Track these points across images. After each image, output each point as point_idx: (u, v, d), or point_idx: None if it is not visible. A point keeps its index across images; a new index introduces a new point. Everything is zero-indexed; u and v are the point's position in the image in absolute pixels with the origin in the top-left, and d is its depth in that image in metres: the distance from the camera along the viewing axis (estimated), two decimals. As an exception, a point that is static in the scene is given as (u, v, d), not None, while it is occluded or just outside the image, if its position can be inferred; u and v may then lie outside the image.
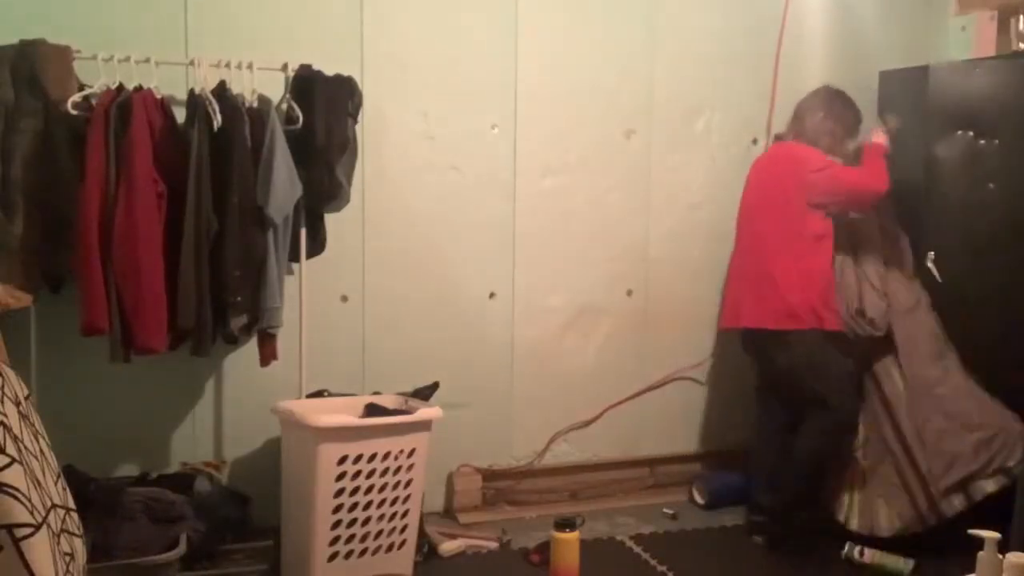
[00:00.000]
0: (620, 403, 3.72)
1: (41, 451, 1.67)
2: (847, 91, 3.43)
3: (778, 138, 3.57)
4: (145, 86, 2.77)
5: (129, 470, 3.05)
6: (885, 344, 3.21)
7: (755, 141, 3.80)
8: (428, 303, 3.41)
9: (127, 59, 2.79)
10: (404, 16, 3.29)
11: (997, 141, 3.27)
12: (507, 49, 3.44)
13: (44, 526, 1.47)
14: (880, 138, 3.31)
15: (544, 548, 2.96)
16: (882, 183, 3.20)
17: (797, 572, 3.05)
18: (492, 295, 3.52)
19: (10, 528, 1.39)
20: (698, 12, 3.68)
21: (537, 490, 3.60)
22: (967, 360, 3.22)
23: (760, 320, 3.20)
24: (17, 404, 1.62)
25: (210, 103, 2.77)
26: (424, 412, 2.83)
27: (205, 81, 2.83)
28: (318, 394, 3.09)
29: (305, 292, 3.09)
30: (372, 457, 2.70)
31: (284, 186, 2.85)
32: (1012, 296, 3.18)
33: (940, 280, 3.30)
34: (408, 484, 2.81)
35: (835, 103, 3.36)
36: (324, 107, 2.96)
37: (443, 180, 3.40)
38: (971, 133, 3.31)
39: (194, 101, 2.80)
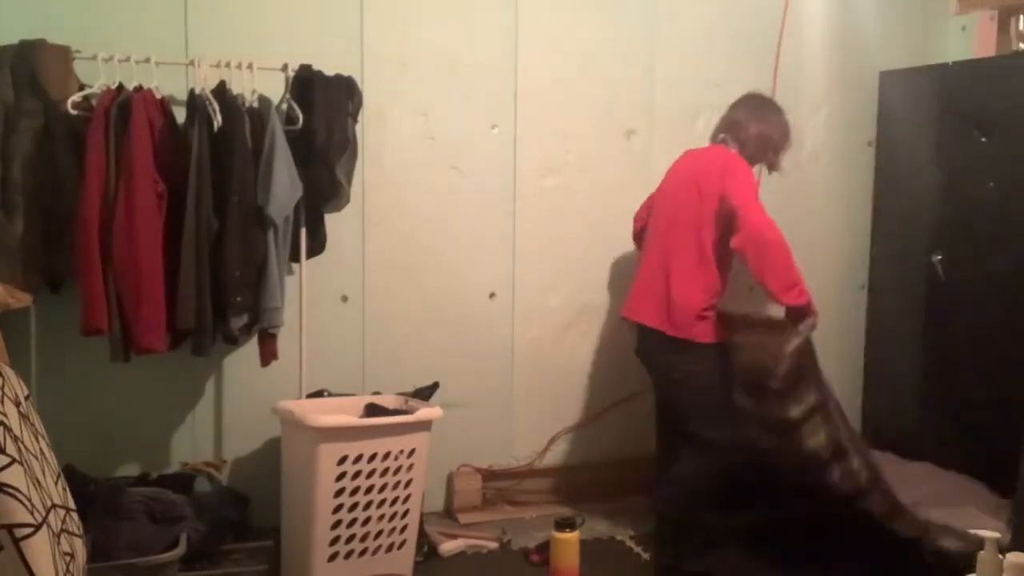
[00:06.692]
0: (620, 403, 3.72)
1: (41, 451, 1.67)
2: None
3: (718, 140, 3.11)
4: (145, 86, 2.77)
5: (129, 470, 3.05)
6: None
7: (755, 141, 3.80)
8: (428, 303, 3.41)
9: (127, 59, 2.79)
10: (404, 16, 3.29)
11: (998, 140, 3.27)
12: (507, 49, 3.44)
13: (44, 526, 1.47)
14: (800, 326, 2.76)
15: (544, 548, 2.97)
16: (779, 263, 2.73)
17: (797, 571, 3.04)
18: (492, 295, 3.52)
19: (10, 528, 1.39)
20: (698, 12, 3.68)
21: (537, 490, 3.60)
22: (969, 358, 3.22)
23: (653, 320, 2.92)
24: (17, 404, 1.62)
25: (210, 103, 2.77)
26: (424, 412, 2.83)
27: (205, 81, 2.83)
28: (318, 394, 3.09)
29: (305, 292, 3.09)
30: (372, 457, 2.70)
31: (284, 186, 2.85)
32: (1014, 295, 3.18)
33: (944, 279, 3.31)
34: (408, 484, 2.81)
35: (773, 113, 3.07)
36: (324, 107, 2.96)
37: (443, 180, 3.40)
38: (973, 132, 3.31)
39: (194, 101, 2.79)
